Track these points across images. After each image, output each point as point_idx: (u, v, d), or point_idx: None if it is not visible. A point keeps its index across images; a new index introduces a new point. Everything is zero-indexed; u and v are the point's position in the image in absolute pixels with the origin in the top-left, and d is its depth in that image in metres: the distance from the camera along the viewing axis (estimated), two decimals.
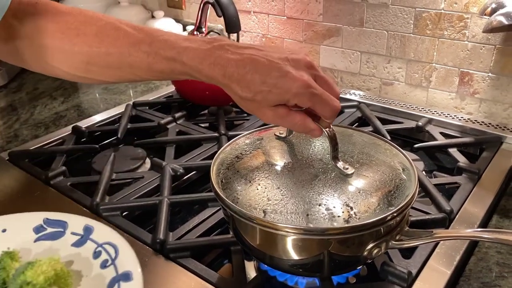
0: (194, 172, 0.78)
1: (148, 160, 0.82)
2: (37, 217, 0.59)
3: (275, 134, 0.58)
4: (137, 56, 0.49)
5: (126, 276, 0.50)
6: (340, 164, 0.51)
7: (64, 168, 0.77)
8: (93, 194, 0.68)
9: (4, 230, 0.57)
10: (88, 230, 0.57)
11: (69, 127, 0.92)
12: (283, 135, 0.57)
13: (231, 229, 0.53)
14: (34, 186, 0.74)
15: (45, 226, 0.58)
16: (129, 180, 0.75)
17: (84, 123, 0.95)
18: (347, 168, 0.51)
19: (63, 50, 0.51)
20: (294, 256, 0.47)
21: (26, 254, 0.54)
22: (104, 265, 0.52)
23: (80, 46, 0.50)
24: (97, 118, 0.98)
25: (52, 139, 0.89)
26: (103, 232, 0.57)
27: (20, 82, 1.24)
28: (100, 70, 0.52)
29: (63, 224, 0.58)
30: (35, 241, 0.57)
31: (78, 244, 0.56)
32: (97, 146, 0.86)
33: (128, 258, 0.52)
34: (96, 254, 0.54)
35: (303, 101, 0.46)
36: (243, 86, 0.46)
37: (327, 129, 0.50)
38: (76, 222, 0.58)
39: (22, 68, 1.32)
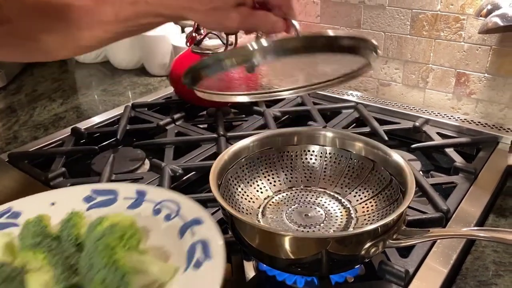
0: (193, 172, 0.79)
1: (147, 161, 0.83)
2: (84, 189, 0.59)
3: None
4: (105, 9, 0.50)
5: (196, 221, 0.49)
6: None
7: (63, 169, 0.77)
8: None
9: (53, 203, 0.56)
10: (141, 193, 0.56)
11: (68, 129, 0.92)
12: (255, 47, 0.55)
13: (230, 229, 0.54)
14: (34, 187, 0.74)
15: (94, 196, 0.58)
16: (129, 181, 0.76)
17: (83, 125, 0.95)
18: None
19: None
20: (292, 255, 0.48)
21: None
22: (168, 218, 0.52)
23: None
24: (96, 119, 0.99)
25: (52, 141, 0.89)
26: (158, 193, 0.56)
27: (19, 84, 1.24)
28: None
29: (113, 192, 0.57)
30: (87, 209, 0.56)
31: (133, 206, 0.55)
32: (96, 147, 0.86)
33: (192, 209, 0.52)
34: (156, 211, 0.54)
35: None
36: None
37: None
38: (126, 189, 0.58)
39: (21, 70, 1.33)
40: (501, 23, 0.70)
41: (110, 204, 0.56)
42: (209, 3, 0.47)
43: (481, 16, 0.78)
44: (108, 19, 0.50)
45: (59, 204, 0.57)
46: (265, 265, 0.55)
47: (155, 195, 0.56)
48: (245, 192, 0.62)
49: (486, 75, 0.89)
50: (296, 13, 0.50)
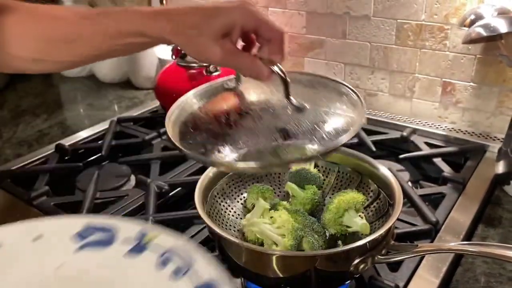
0: (179, 188, 0.78)
1: (133, 177, 0.81)
2: (77, 222, 0.48)
3: (223, 85, 0.55)
4: (86, 25, 0.49)
5: (210, 286, 0.39)
6: (294, 102, 0.49)
7: (47, 187, 0.76)
8: (78, 214, 0.67)
9: (37, 238, 0.46)
10: (144, 235, 0.45)
11: (53, 145, 0.91)
12: (232, 86, 0.54)
13: (216, 247, 0.53)
14: (16, 207, 0.73)
15: (88, 232, 0.47)
16: (114, 198, 0.74)
17: (67, 141, 0.94)
18: (302, 104, 0.49)
19: (19, 34, 0.51)
20: (280, 273, 0.47)
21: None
22: (177, 274, 0.41)
23: (35, 28, 0.51)
24: (82, 135, 0.97)
25: (35, 158, 0.88)
26: (166, 238, 0.45)
27: (2, 100, 1.22)
28: (57, 47, 0.51)
29: (110, 230, 0.47)
30: (78, 249, 0.45)
31: (134, 251, 0.44)
32: (80, 164, 0.85)
33: (209, 266, 0.41)
34: (163, 262, 0.43)
35: (249, 20, 0.46)
36: (188, 23, 0.46)
37: (276, 68, 0.48)
38: (128, 227, 0.47)
39: (4, 85, 1.31)
40: (484, 33, 0.70)
41: (105, 246, 0.45)
42: (193, 28, 0.46)
43: (464, 26, 0.78)
44: (94, 33, 0.49)
45: (44, 239, 0.46)
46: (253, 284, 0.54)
47: (163, 240, 0.45)
48: (232, 208, 0.61)
49: (471, 84, 0.89)
50: (285, 54, 0.48)
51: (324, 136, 0.45)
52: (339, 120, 0.48)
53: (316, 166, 0.66)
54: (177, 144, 0.46)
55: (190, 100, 0.55)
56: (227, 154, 0.44)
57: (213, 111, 0.52)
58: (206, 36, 0.45)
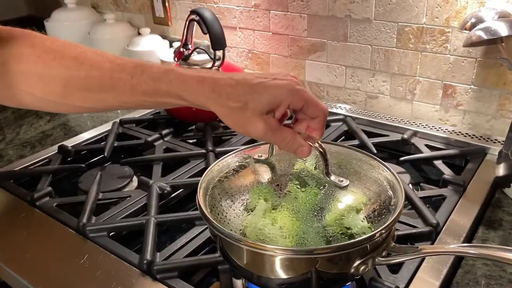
0: (182, 189, 0.78)
1: (135, 178, 0.82)
2: None
3: (253, 158, 0.58)
4: (120, 78, 0.47)
5: None
6: (333, 178, 0.51)
7: (50, 188, 0.76)
8: (80, 215, 0.68)
9: None
10: None
11: (55, 147, 0.91)
12: (262, 158, 0.57)
13: (218, 248, 0.53)
14: (19, 208, 0.73)
15: None
16: (116, 199, 0.75)
17: (70, 142, 0.94)
18: (341, 181, 0.51)
19: (39, 74, 0.48)
20: (281, 275, 0.47)
21: None
22: None
23: (58, 69, 0.48)
24: (84, 136, 0.98)
25: (38, 159, 0.88)
26: None
27: None
28: (79, 94, 0.49)
29: None
30: None
31: None
32: (83, 165, 0.85)
33: None
34: None
35: (296, 99, 0.46)
36: (234, 96, 0.44)
37: (316, 144, 0.50)
38: None
39: None
40: (485, 37, 0.71)
41: None
42: (237, 101, 0.44)
43: (465, 29, 0.79)
44: (121, 87, 0.47)
45: None
46: (254, 285, 0.54)
47: None
48: (233, 209, 0.61)
49: (472, 86, 0.90)
50: (322, 133, 0.49)
51: (369, 216, 0.48)
52: (377, 198, 0.51)
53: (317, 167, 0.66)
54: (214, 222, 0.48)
55: (228, 161, 0.58)
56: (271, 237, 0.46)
57: (243, 185, 0.54)
58: (251, 111, 0.45)
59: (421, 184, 0.82)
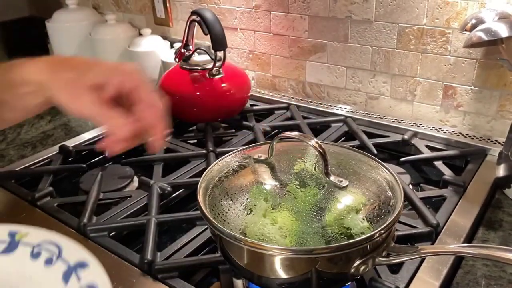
0: (182, 190, 0.78)
1: (136, 179, 0.82)
2: None
3: (253, 158, 0.58)
4: None
5: (81, 264, 0.48)
6: (333, 178, 0.51)
7: (51, 188, 0.76)
8: (80, 215, 0.68)
9: None
10: (13, 235, 0.53)
11: (56, 147, 0.92)
12: (262, 158, 0.57)
13: (218, 248, 0.53)
14: (20, 208, 0.73)
15: None
16: (117, 199, 0.75)
17: (71, 142, 0.94)
18: (341, 181, 0.51)
19: None
20: (282, 275, 0.47)
21: None
22: (49, 262, 0.49)
23: None
24: (85, 136, 0.98)
25: (39, 159, 0.89)
26: (35, 234, 0.53)
27: None
28: None
29: None
30: None
31: (8, 250, 0.51)
32: (84, 165, 0.85)
33: (75, 250, 0.50)
34: (35, 255, 0.50)
35: (125, 80, 0.48)
36: (68, 68, 0.48)
37: (316, 145, 0.50)
38: None
39: None
40: (485, 38, 0.71)
41: None
42: (71, 73, 0.47)
43: (465, 30, 0.79)
44: None
45: None
46: (255, 285, 0.54)
47: (32, 237, 0.52)
48: (233, 209, 0.62)
49: (472, 87, 0.90)
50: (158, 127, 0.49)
51: (369, 217, 0.48)
52: (376, 199, 0.52)
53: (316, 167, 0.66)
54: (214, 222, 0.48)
55: (228, 161, 0.58)
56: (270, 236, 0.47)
57: (243, 185, 0.54)
58: (81, 85, 0.47)
59: (421, 184, 0.82)
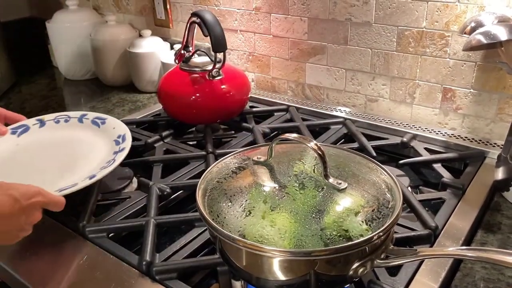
0: (181, 191, 0.78)
1: (135, 180, 0.82)
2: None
3: (252, 160, 0.58)
4: None
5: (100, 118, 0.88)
6: (332, 180, 0.52)
7: None
8: (79, 216, 0.68)
9: None
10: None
11: None
12: (261, 159, 0.57)
13: (217, 250, 0.53)
14: None
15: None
16: (116, 200, 0.75)
17: None
18: (340, 183, 0.51)
19: None
20: (280, 277, 0.47)
21: None
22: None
23: None
24: None
25: None
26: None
27: (7, 102, 1.23)
28: None
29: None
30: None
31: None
32: None
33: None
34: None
35: None
36: None
37: (315, 147, 0.51)
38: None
39: (8, 88, 1.32)
40: (484, 41, 0.71)
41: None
42: None
43: (465, 33, 0.79)
44: None
45: None
46: (253, 286, 0.54)
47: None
48: (232, 211, 0.62)
49: (472, 90, 0.90)
50: None
51: (367, 219, 0.48)
52: (375, 201, 0.52)
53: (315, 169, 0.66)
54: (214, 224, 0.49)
55: (227, 163, 0.59)
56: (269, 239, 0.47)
57: (242, 186, 0.54)
58: None
59: (420, 187, 0.82)
